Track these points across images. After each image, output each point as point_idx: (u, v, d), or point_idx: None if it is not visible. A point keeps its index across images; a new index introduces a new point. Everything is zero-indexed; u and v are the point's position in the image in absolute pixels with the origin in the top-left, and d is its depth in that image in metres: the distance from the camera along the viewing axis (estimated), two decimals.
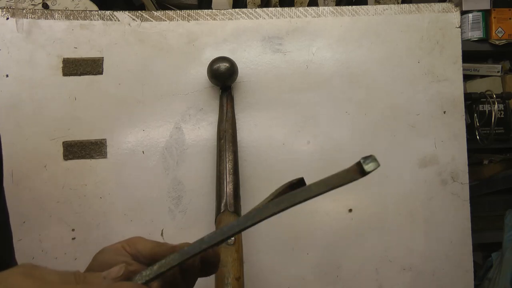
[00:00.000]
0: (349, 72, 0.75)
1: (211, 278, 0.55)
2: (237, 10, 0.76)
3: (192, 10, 0.75)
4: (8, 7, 0.77)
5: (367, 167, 0.28)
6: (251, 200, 0.70)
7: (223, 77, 0.68)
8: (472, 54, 1.19)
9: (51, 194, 0.66)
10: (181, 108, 0.72)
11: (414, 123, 0.75)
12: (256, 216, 0.32)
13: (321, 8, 0.77)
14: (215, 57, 0.70)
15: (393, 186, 0.73)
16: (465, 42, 1.14)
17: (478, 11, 1.13)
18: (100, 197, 0.68)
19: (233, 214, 0.58)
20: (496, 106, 1.07)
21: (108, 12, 0.73)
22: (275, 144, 0.73)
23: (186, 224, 0.70)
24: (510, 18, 1.14)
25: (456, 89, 0.76)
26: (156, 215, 0.69)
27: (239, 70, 0.71)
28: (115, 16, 0.73)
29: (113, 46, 0.73)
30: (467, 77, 1.20)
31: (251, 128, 0.73)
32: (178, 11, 0.75)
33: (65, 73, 0.71)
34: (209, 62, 0.70)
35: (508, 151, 1.20)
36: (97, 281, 0.32)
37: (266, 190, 0.74)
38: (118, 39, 0.73)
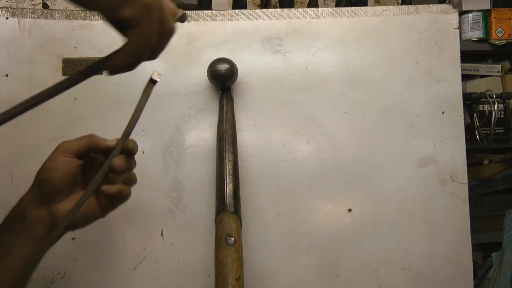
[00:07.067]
0: (348, 72, 0.75)
1: (211, 279, 0.55)
2: (236, 11, 0.76)
3: (192, 11, 0.75)
4: (8, 7, 0.77)
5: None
6: (251, 201, 0.70)
7: (223, 78, 0.68)
8: (472, 54, 1.19)
9: None
10: (181, 108, 0.73)
11: (413, 123, 0.75)
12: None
13: (320, 9, 0.77)
14: (215, 57, 0.70)
15: (392, 186, 0.73)
16: (465, 42, 1.14)
17: (478, 11, 1.13)
18: None
19: (233, 214, 0.58)
20: (496, 106, 1.07)
21: None
22: (274, 144, 0.73)
23: (186, 224, 0.70)
24: (510, 18, 1.14)
25: (454, 89, 0.76)
26: (156, 215, 0.69)
27: (239, 71, 0.71)
28: None
29: (113, 46, 0.72)
30: (467, 77, 1.20)
31: (251, 129, 0.73)
32: None
33: (65, 73, 0.71)
34: (209, 63, 0.70)
35: (508, 151, 1.20)
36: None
37: (266, 190, 0.74)
38: (118, 39, 0.72)
